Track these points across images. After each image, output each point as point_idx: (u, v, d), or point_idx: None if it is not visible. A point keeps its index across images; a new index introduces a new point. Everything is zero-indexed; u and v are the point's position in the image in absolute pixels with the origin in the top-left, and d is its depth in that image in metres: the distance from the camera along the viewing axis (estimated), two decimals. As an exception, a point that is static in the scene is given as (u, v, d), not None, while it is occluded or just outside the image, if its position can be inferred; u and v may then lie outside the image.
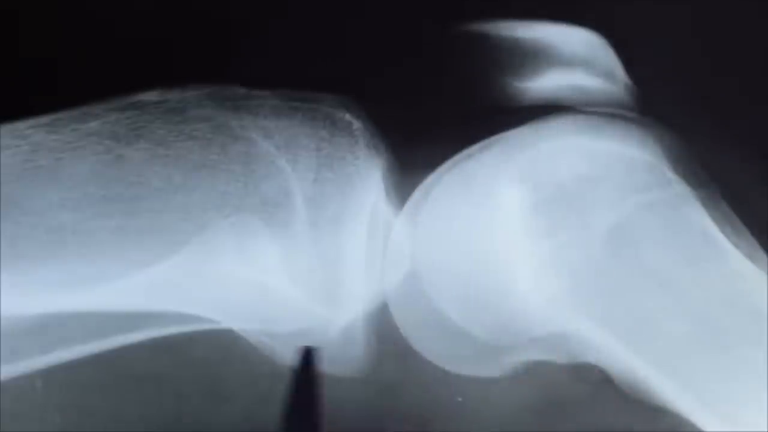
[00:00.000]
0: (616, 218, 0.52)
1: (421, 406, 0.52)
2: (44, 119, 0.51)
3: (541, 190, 0.52)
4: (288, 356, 0.51)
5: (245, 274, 0.51)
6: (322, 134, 0.52)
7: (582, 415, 0.52)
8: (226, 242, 0.51)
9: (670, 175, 0.52)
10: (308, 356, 0.46)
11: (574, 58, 0.54)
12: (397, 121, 0.52)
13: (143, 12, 0.53)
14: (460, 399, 0.52)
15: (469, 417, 0.52)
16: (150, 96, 0.52)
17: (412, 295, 0.52)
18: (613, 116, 0.53)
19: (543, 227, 0.52)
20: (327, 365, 0.51)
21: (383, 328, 0.51)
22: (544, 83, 0.54)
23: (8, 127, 0.51)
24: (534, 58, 0.54)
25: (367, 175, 0.52)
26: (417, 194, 0.52)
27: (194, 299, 0.51)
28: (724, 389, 0.50)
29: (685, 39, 0.54)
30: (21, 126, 0.51)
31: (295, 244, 0.51)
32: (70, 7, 0.53)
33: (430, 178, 0.52)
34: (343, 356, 0.51)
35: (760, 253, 0.51)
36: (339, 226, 0.51)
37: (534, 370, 0.52)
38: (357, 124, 0.52)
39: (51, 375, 0.51)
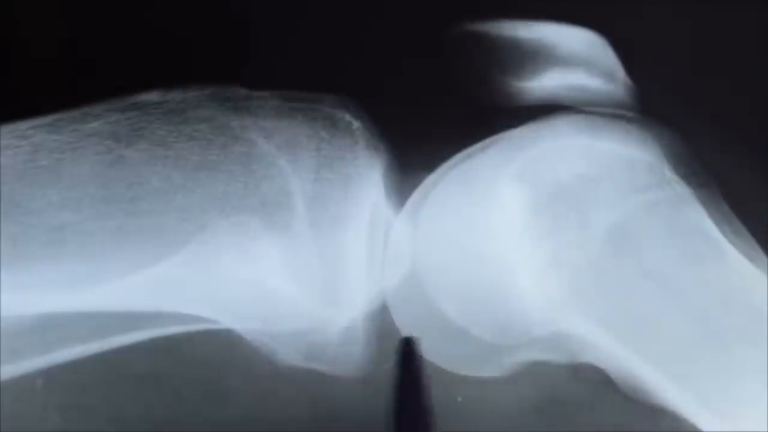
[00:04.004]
0: (616, 218, 0.52)
1: (421, 406, 0.52)
2: (45, 119, 0.51)
3: (541, 190, 0.52)
4: (288, 356, 0.51)
5: (245, 274, 0.51)
6: (322, 135, 0.52)
7: (582, 415, 0.52)
8: (226, 242, 0.51)
9: (670, 175, 0.52)
10: (409, 347, 0.45)
11: (574, 58, 0.54)
12: (397, 121, 0.52)
13: (143, 13, 0.53)
14: (460, 399, 0.52)
15: (469, 417, 0.52)
16: (150, 96, 0.52)
17: (412, 295, 0.52)
18: (613, 116, 0.53)
19: (543, 227, 0.52)
20: (327, 365, 0.51)
21: (384, 328, 0.51)
22: (544, 83, 0.53)
23: (9, 127, 0.51)
24: (534, 58, 0.54)
25: (367, 175, 0.52)
26: (417, 194, 0.52)
27: (194, 299, 0.51)
28: (724, 389, 0.50)
29: (685, 39, 0.54)
30: (22, 126, 0.51)
31: (295, 244, 0.51)
32: (70, 8, 0.54)
33: (430, 178, 0.52)
34: (343, 356, 0.51)
35: (760, 253, 0.51)
36: (339, 227, 0.51)
37: (534, 370, 0.52)
38: (357, 125, 0.52)
39: (51, 375, 0.51)
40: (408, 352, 0.44)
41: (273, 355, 0.51)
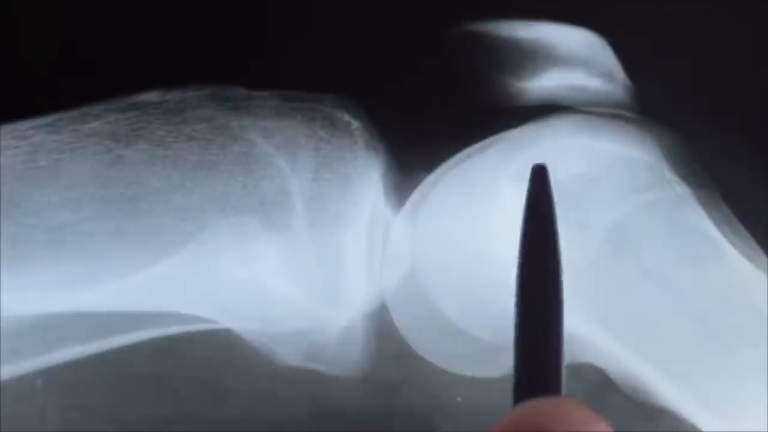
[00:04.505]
0: (615, 218, 0.52)
1: (421, 406, 0.52)
2: (44, 120, 0.51)
3: (541, 190, 0.52)
4: (288, 356, 0.51)
5: (245, 274, 0.51)
6: (321, 134, 0.52)
7: (582, 415, 0.52)
8: (226, 242, 0.51)
9: (670, 175, 0.52)
10: (540, 172, 0.44)
11: (574, 58, 0.54)
12: (396, 121, 0.52)
13: (143, 13, 0.54)
14: (459, 399, 0.52)
15: (469, 417, 0.52)
16: (150, 96, 0.52)
17: (412, 295, 0.51)
18: (612, 116, 0.53)
19: (543, 227, 0.52)
20: (327, 365, 0.51)
21: (383, 328, 0.51)
22: (544, 83, 0.53)
23: (8, 127, 0.51)
24: (534, 58, 0.54)
25: (366, 175, 0.52)
26: (416, 194, 0.52)
27: (194, 299, 0.51)
28: (723, 389, 0.50)
29: (685, 39, 0.54)
30: (21, 126, 0.51)
31: (294, 244, 0.51)
32: (70, 8, 0.54)
33: (430, 178, 0.52)
34: (343, 356, 0.51)
35: (760, 253, 0.51)
36: (338, 226, 0.51)
37: (534, 370, 0.51)
38: (356, 125, 0.52)
39: (51, 375, 0.51)
40: (539, 176, 0.43)
41: (273, 355, 0.51)
